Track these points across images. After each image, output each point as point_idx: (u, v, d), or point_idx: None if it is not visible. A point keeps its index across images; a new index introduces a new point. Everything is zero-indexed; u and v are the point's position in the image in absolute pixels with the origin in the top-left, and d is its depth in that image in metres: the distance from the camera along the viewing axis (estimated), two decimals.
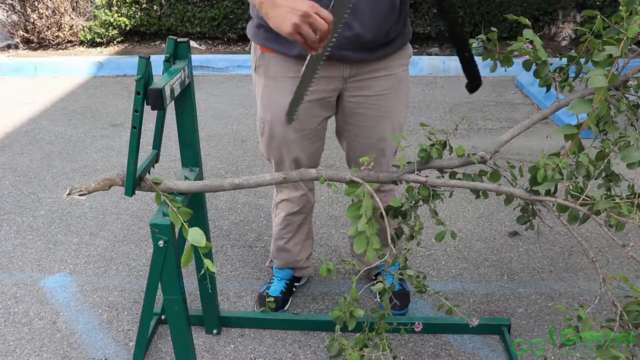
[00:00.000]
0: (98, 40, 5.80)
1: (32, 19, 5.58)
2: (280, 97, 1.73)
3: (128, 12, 5.75)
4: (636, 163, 1.21)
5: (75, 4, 5.70)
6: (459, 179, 1.48)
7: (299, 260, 2.14)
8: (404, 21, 1.73)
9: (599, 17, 1.31)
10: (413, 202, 1.48)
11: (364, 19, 1.58)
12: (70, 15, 5.63)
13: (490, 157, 1.42)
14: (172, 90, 1.36)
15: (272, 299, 2.07)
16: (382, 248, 1.37)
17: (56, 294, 2.25)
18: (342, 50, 1.61)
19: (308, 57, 1.40)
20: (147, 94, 1.27)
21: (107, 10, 5.69)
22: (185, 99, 1.54)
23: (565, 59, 1.50)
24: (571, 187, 1.30)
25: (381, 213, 1.33)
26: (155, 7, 5.75)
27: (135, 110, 1.28)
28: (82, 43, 5.89)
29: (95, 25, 5.71)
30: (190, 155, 1.64)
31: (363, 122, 1.81)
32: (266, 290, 2.15)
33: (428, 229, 2.62)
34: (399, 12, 1.66)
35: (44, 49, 5.78)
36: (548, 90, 1.47)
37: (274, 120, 1.78)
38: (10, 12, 5.72)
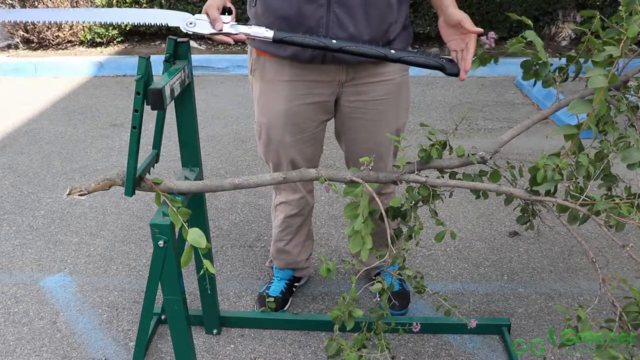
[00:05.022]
0: (98, 40, 5.80)
1: None
2: (275, 101, 1.73)
3: None
4: (636, 164, 1.21)
5: (75, 4, 5.70)
6: (459, 179, 1.48)
7: (299, 261, 2.14)
8: (403, 23, 1.68)
9: (597, 16, 1.31)
10: (413, 203, 1.48)
11: (357, 17, 1.55)
12: None
13: (490, 157, 1.42)
14: (172, 90, 1.36)
15: (272, 299, 2.07)
16: (382, 248, 1.38)
17: (56, 294, 2.25)
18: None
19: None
20: (147, 94, 1.27)
21: None
22: (185, 99, 1.54)
23: (565, 59, 1.50)
24: (571, 188, 1.30)
25: (381, 214, 1.33)
26: (155, 8, 5.75)
27: (135, 110, 1.28)
28: (82, 43, 5.89)
29: (95, 25, 5.70)
30: (190, 155, 1.64)
31: (361, 127, 1.80)
32: (266, 290, 2.15)
33: (428, 229, 2.62)
34: (396, 12, 1.62)
35: (44, 49, 5.78)
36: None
37: (270, 124, 1.78)
38: None
